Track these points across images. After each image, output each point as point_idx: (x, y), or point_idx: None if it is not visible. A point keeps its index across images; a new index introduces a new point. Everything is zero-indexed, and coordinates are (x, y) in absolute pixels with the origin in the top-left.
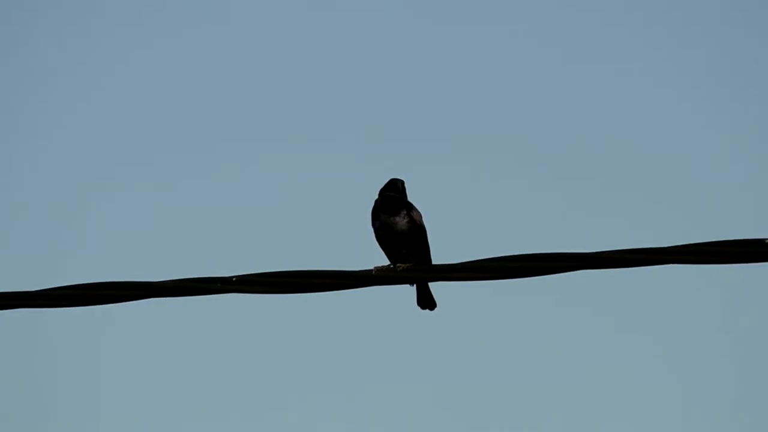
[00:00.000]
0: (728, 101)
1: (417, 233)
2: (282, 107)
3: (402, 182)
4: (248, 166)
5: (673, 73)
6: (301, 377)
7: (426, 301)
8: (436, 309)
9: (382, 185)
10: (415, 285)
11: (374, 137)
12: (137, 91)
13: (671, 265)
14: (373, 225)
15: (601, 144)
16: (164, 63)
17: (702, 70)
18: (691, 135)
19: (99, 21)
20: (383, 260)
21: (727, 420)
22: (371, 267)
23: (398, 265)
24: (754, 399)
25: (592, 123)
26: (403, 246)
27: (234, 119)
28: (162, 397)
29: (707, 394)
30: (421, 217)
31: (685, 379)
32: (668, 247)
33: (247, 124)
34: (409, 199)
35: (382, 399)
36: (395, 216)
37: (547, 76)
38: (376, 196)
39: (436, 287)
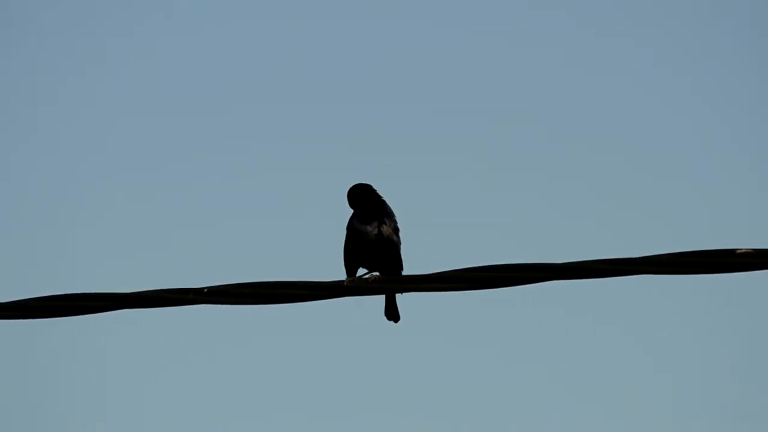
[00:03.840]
0: (704, 110)
1: (386, 246)
2: (260, 116)
3: (368, 187)
4: (222, 177)
5: (650, 83)
6: (269, 388)
7: (391, 313)
8: (399, 322)
9: (355, 194)
10: (384, 296)
11: (349, 146)
12: (111, 104)
13: (642, 275)
14: (347, 229)
15: (574, 154)
16: (133, 74)
17: (680, 79)
18: (664, 144)
19: (94, 23)
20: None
21: (704, 426)
22: (343, 278)
23: (371, 275)
24: (727, 405)
25: (563, 134)
26: (372, 257)
27: (208, 130)
28: (133, 409)
29: (677, 402)
30: (394, 229)
31: (656, 387)
32: (639, 258)
33: (221, 134)
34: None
35: (350, 409)
36: (367, 226)
37: (522, 85)
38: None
39: (406, 298)
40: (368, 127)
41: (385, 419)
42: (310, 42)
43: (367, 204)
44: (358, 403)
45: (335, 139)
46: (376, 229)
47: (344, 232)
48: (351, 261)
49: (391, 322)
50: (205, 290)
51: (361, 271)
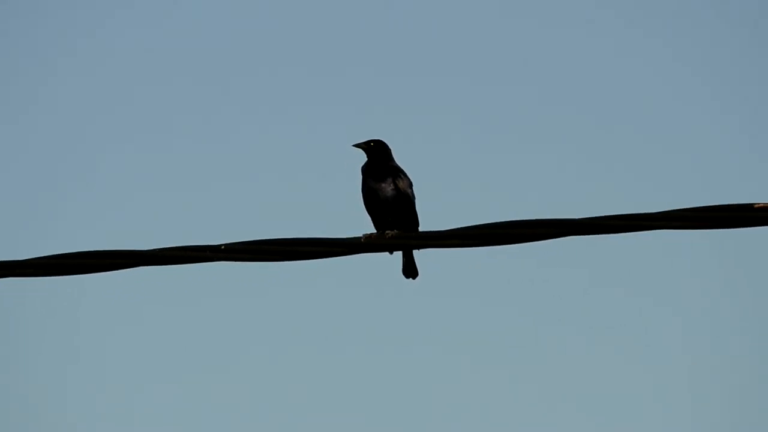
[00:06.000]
0: (713, 66)
1: (403, 201)
2: (268, 75)
3: (386, 145)
4: (238, 134)
5: (658, 38)
6: (287, 345)
7: (410, 270)
8: (418, 278)
9: (377, 148)
10: (401, 253)
11: (361, 104)
12: (125, 63)
13: (659, 230)
14: (362, 190)
15: (589, 110)
16: (155, 35)
17: (686, 36)
18: (678, 100)
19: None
20: (371, 227)
21: (718, 390)
22: (360, 234)
23: (386, 232)
24: (745, 360)
25: (579, 89)
26: (389, 213)
27: (222, 89)
28: (149, 366)
29: (693, 358)
30: (408, 184)
31: (672, 343)
32: (656, 213)
33: (237, 93)
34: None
35: (366, 366)
36: (381, 182)
37: (533, 43)
38: (366, 159)
39: (422, 255)
40: (358, 92)
41: (403, 376)
42: (315, 8)
43: (380, 161)
44: (375, 360)
45: (328, 103)
46: (392, 185)
47: (359, 193)
48: (374, 218)
49: (410, 279)
50: (222, 247)
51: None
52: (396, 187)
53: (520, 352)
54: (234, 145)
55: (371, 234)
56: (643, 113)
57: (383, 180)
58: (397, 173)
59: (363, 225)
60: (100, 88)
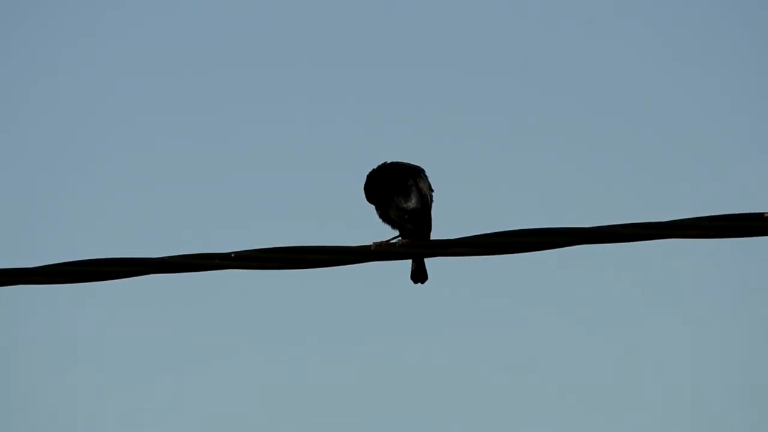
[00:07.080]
0: (722, 73)
1: (422, 206)
2: (272, 75)
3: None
4: (240, 134)
5: (665, 44)
6: (296, 350)
7: (419, 275)
8: (426, 282)
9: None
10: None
11: (363, 104)
12: (124, 62)
13: (668, 239)
14: (375, 193)
15: (594, 113)
16: (155, 27)
17: (693, 40)
18: (686, 104)
19: None
20: (379, 227)
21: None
22: (369, 242)
23: (398, 240)
24: (753, 368)
25: (583, 91)
26: (406, 216)
27: (224, 89)
28: (158, 374)
29: (703, 365)
30: (428, 186)
31: (677, 348)
32: (666, 222)
33: (239, 93)
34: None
35: (374, 370)
36: (402, 187)
37: (540, 46)
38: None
39: (432, 260)
40: (361, 95)
41: (409, 380)
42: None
43: (388, 180)
44: (382, 364)
45: (335, 106)
46: (415, 191)
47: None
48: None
49: (418, 284)
50: (232, 255)
51: (389, 235)
52: (419, 190)
53: (527, 355)
54: (237, 145)
55: (381, 242)
56: (652, 118)
57: (404, 182)
58: (417, 173)
59: (369, 225)
60: (100, 88)
